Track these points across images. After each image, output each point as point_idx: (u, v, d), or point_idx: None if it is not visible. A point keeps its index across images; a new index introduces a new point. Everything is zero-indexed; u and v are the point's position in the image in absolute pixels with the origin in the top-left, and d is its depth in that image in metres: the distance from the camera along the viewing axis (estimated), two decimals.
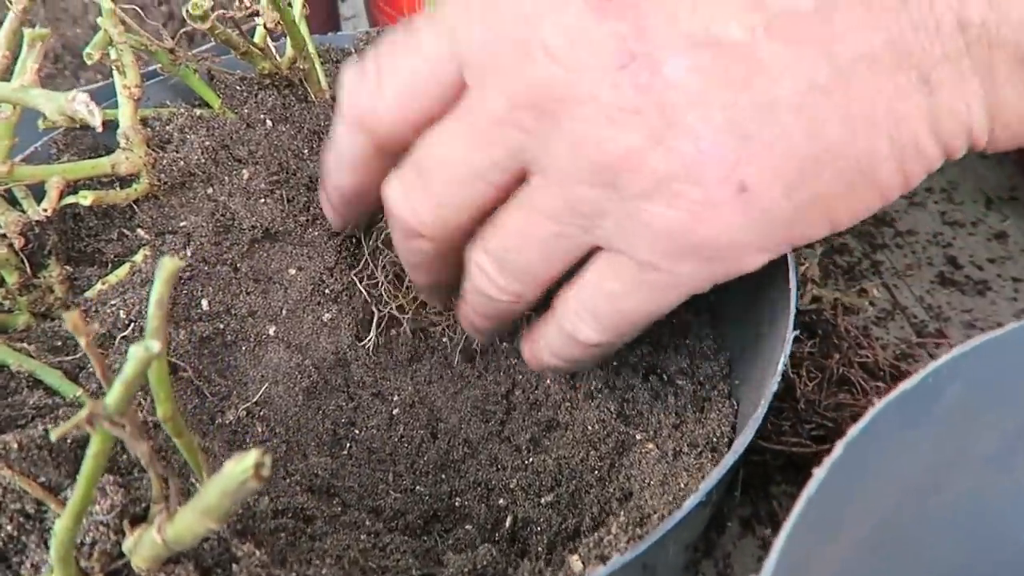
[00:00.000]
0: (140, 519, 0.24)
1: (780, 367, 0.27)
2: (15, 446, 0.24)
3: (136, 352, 0.18)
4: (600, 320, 0.29)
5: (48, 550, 0.24)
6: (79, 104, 0.26)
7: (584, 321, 0.29)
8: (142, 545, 0.21)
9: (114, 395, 0.18)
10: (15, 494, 0.23)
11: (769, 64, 0.24)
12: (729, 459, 0.24)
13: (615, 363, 0.39)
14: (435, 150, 0.27)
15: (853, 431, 0.19)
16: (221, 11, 0.32)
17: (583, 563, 0.27)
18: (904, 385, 0.20)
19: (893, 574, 0.26)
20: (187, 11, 0.31)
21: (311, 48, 0.41)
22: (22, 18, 0.30)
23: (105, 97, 0.39)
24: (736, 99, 0.24)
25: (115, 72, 0.36)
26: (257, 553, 0.26)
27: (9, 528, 0.23)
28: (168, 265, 0.20)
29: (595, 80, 0.24)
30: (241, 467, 0.17)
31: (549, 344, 0.32)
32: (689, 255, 0.26)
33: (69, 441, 0.27)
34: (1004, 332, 0.22)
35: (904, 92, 0.24)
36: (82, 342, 0.18)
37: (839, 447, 0.19)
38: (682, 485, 0.30)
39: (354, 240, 0.41)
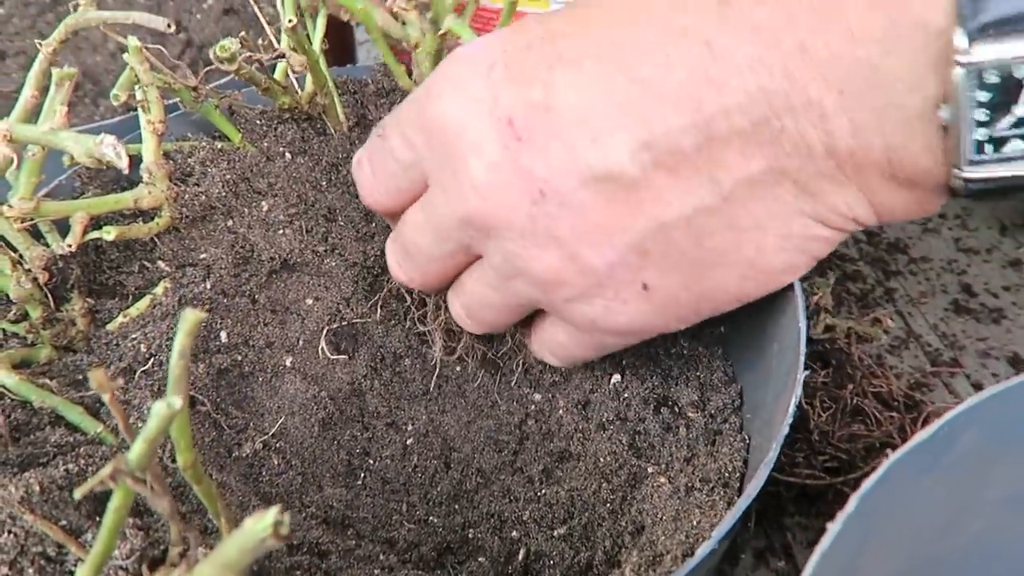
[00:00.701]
0: (159, 562, 0.24)
1: (792, 408, 0.28)
2: (37, 488, 0.24)
3: (159, 409, 0.18)
4: (558, 358, 0.37)
5: None
6: (106, 147, 0.27)
7: (546, 355, 0.37)
8: None
9: (136, 452, 0.18)
10: (36, 537, 0.24)
11: (659, 193, 0.28)
12: (743, 502, 0.25)
13: (626, 395, 0.39)
14: (412, 236, 0.34)
15: (867, 484, 0.19)
16: (248, 54, 0.32)
17: None
18: (919, 436, 0.20)
19: None
20: (214, 53, 0.32)
21: (330, 83, 0.42)
22: (51, 59, 0.31)
23: (128, 129, 0.40)
24: (634, 223, 0.28)
25: (139, 108, 0.36)
26: None
27: (31, 572, 0.24)
28: (190, 317, 0.20)
29: (515, 213, 0.29)
30: (261, 525, 0.17)
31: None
32: (611, 334, 0.32)
33: (89, 480, 0.27)
34: (1017, 383, 0.22)
35: (785, 201, 0.28)
36: (106, 398, 0.18)
37: (852, 501, 0.19)
38: (694, 523, 0.30)
39: (371, 271, 0.41)
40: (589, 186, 0.28)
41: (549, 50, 0.29)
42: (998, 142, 0.24)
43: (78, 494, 0.17)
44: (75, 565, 0.24)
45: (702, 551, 0.24)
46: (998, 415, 0.22)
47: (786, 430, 0.26)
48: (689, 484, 0.33)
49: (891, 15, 0.24)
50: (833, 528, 0.18)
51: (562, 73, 0.28)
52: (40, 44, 0.30)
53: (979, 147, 0.25)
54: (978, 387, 0.50)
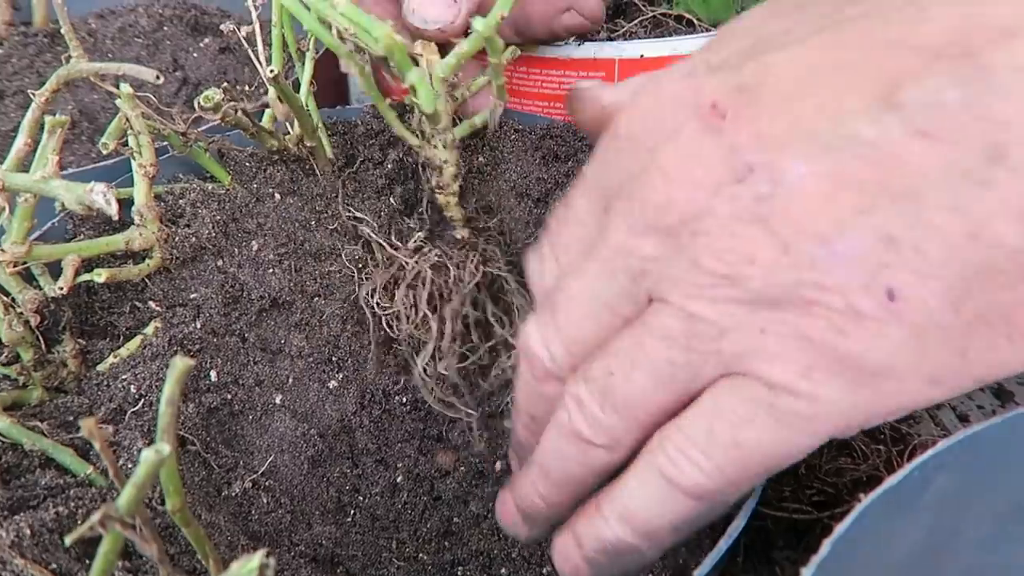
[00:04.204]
0: None
1: None
2: (28, 532, 0.24)
3: (147, 456, 0.18)
4: (712, 456, 0.23)
5: None
6: (96, 195, 0.27)
7: (689, 458, 0.24)
8: None
9: (126, 497, 0.18)
10: None
11: (910, 161, 0.21)
12: (723, 544, 0.25)
13: None
14: (569, 284, 0.27)
15: (839, 528, 0.20)
16: (232, 103, 0.33)
17: None
18: (890, 480, 0.21)
19: None
20: (199, 103, 0.32)
21: (318, 124, 0.43)
22: (44, 108, 0.31)
23: (122, 171, 0.41)
24: (874, 201, 0.21)
25: (131, 155, 0.37)
26: None
27: None
28: (180, 365, 0.21)
29: (712, 196, 0.23)
30: (247, 568, 0.18)
31: (610, 517, 0.26)
32: (832, 376, 0.22)
33: (79, 522, 0.27)
34: (985, 426, 0.22)
35: None
36: (97, 446, 0.19)
37: (826, 545, 0.19)
38: (680, 562, 0.31)
39: (360, 310, 0.42)
40: (813, 157, 0.22)
41: (758, 44, 0.24)
42: None
43: (69, 540, 0.17)
44: None
45: None
46: (970, 457, 0.23)
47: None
48: None
49: None
50: (806, 573, 0.19)
51: (777, 55, 0.23)
52: (33, 94, 0.31)
53: None
54: (964, 418, 0.51)
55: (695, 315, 0.23)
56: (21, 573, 0.24)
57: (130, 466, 0.31)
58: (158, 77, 0.28)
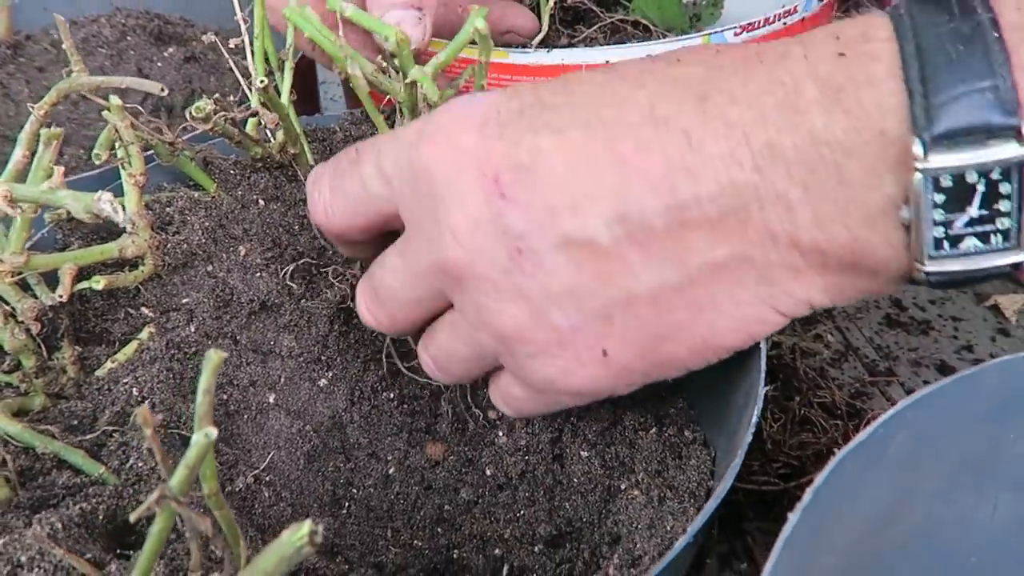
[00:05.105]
0: None
1: (754, 419, 0.31)
2: (60, 526, 0.25)
3: (198, 439, 0.20)
4: (512, 409, 0.37)
5: None
6: (104, 203, 0.29)
7: (501, 405, 0.38)
8: None
9: (178, 478, 0.20)
10: (64, 572, 0.25)
11: (629, 265, 0.29)
12: (711, 504, 0.27)
13: (594, 422, 0.42)
14: (385, 279, 0.35)
15: (819, 478, 0.22)
16: (222, 113, 0.34)
17: None
18: (861, 435, 0.24)
19: None
20: (190, 113, 0.34)
21: (299, 131, 0.44)
22: (43, 121, 0.32)
23: (108, 181, 0.42)
24: (603, 291, 0.30)
25: (120, 165, 0.38)
26: None
27: None
28: (214, 358, 0.22)
29: (492, 266, 0.30)
30: (298, 535, 0.19)
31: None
32: (565, 394, 0.34)
33: (101, 518, 0.28)
34: (939, 386, 0.25)
35: (745, 286, 0.30)
36: (146, 432, 0.20)
37: (808, 493, 0.22)
38: (668, 528, 0.33)
39: (346, 310, 0.43)
40: (564, 250, 0.29)
41: (539, 117, 0.30)
42: (954, 240, 0.26)
43: (133, 517, 0.18)
44: None
45: (680, 543, 0.26)
46: (926, 416, 0.26)
47: (749, 438, 0.29)
48: (661, 495, 0.36)
49: (852, 122, 0.26)
50: (793, 517, 0.21)
51: (549, 140, 0.30)
52: (32, 107, 0.32)
53: (938, 244, 0.26)
54: (912, 392, 0.54)
55: (480, 342, 0.33)
56: (58, 564, 0.25)
57: (140, 465, 0.33)
58: (163, 89, 0.29)
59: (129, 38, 0.69)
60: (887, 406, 0.54)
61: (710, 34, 0.52)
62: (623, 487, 0.39)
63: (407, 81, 0.41)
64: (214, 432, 0.20)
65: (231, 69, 0.73)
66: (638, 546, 0.33)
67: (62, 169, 0.30)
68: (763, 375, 0.33)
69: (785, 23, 0.55)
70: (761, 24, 0.54)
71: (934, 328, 0.59)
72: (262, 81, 0.36)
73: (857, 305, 0.60)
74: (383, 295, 0.36)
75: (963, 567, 0.33)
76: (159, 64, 0.69)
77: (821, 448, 0.48)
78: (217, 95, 0.34)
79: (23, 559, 0.25)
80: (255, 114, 0.37)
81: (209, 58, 0.71)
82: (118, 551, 0.28)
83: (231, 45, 0.37)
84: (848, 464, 0.23)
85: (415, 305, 0.35)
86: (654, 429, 0.41)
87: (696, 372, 0.42)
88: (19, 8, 0.70)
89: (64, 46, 0.33)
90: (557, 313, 0.30)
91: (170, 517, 0.20)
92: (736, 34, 0.52)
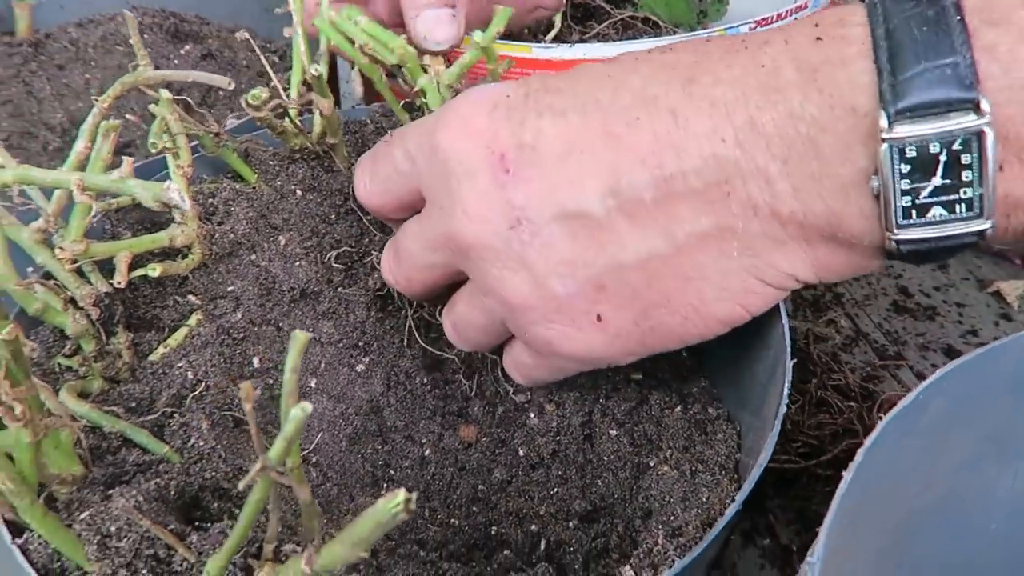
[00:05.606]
0: (255, 557, 0.27)
1: (786, 389, 0.32)
2: (141, 499, 0.27)
3: (295, 414, 0.21)
4: (523, 377, 0.40)
5: None
6: (172, 192, 0.30)
7: (513, 373, 0.40)
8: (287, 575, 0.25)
9: (277, 450, 0.21)
10: (149, 541, 0.26)
11: (619, 236, 0.32)
12: (756, 472, 0.29)
13: (623, 402, 0.43)
14: (406, 243, 0.38)
15: (868, 441, 0.24)
16: (276, 101, 0.36)
17: (635, 573, 0.31)
18: (904, 400, 0.25)
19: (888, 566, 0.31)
20: (247, 101, 0.35)
21: (339, 122, 0.45)
22: (105, 113, 0.34)
23: (151, 172, 0.43)
24: (595, 259, 0.32)
25: (168, 156, 0.39)
26: None
27: (145, 572, 0.26)
28: (301, 338, 0.24)
29: (494, 236, 0.33)
30: (393, 502, 0.21)
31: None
32: (565, 358, 0.36)
33: (173, 493, 0.30)
34: (973, 356, 0.27)
35: (729, 256, 0.32)
36: (247, 407, 0.21)
37: (860, 453, 0.23)
38: (704, 499, 0.35)
39: (381, 296, 0.45)
40: (560, 221, 0.32)
41: (542, 100, 0.33)
42: (921, 208, 0.28)
43: (241, 485, 0.20)
44: (180, 566, 0.27)
45: (730, 511, 0.28)
46: (962, 383, 0.27)
47: (784, 408, 0.31)
48: (693, 469, 0.38)
49: (826, 99, 0.28)
50: (847, 475, 0.23)
51: (550, 121, 0.32)
52: (96, 100, 0.33)
53: (906, 212, 0.28)
54: (921, 376, 0.56)
55: (490, 308, 0.36)
56: (144, 534, 0.26)
57: (201, 444, 0.34)
58: (230, 84, 0.31)
59: (146, 36, 0.70)
60: (899, 389, 0.56)
61: (726, 29, 0.54)
62: (652, 464, 0.41)
63: (415, 89, 0.43)
64: (309, 407, 0.22)
65: (247, 66, 0.74)
66: (678, 517, 0.34)
67: (131, 160, 0.31)
68: (788, 348, 0.35)
69: (796, 19, 0.57)
70: (774, 20, 0.55)
71: (939, 314, 0.61)
72: (316, 69, 0.37)
73: (865, 292, 0.62)
74: (402, 256, 0.39)
75: (984, 535, 0.35)
76: (176, 62, 0.70)
77: (837, 428, 0.50)
78: (273, 84, 0.36)
79: (112, 529, 0.26)
80: (310, 103, 0.38)
81: (225, 55, 0.72)
82: (195, 524, 0.29)
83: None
84: (893, 428, 0.25)
85: (429, 269, 0.37)
86: (679, 407, 0.43)
87: (716, 351, 0.44)
88: (36, 7, 0.71)
89: (131, 41, 0.34)
90: (555, 280, 0.33)
91: (267, 486, 0.21)
92: (751, 29, 0.54)
